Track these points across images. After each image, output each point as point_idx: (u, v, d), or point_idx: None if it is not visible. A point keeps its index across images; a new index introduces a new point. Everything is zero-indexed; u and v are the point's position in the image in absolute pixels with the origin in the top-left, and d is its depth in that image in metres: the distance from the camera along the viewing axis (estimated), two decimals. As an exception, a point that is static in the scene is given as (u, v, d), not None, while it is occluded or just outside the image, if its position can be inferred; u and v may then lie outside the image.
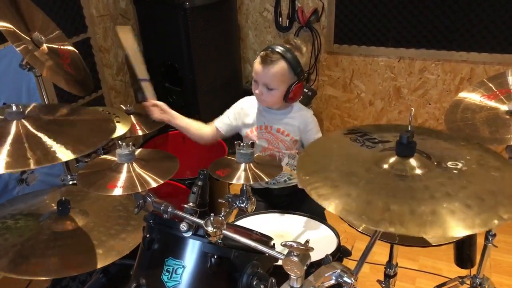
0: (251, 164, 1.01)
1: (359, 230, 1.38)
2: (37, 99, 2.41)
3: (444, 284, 1.88)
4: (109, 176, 0.94)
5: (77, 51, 1.75)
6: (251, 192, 1.03)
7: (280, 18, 3.03)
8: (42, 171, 2.45)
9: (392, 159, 0.91)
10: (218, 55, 2.87)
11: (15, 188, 2.31)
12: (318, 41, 2.98)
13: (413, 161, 0.90)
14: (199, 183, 0.98)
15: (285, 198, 1.82)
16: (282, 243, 0.83)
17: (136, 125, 2.01)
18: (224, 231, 0.90)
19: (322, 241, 1.45)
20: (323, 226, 1.54)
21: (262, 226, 1.37)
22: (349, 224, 1.38)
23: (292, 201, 1.78)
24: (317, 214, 1.61)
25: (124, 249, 1.31)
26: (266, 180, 1.00)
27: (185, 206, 0.96)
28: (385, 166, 0.90)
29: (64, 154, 1.04)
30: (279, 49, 1.57)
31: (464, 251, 1.70)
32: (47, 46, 1.58)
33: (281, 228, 1.52)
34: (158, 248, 1.02)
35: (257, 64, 1.59)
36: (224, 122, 1.77)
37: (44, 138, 1.09)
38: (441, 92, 2.84)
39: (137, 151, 1.01)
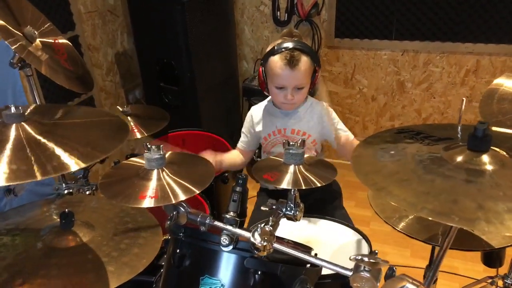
0: (301, 166, 0.88)
1: (398, 229, 1.28)
2: (24, 102, 2.23)
3: (469, 284, 1.79)
4: (138, 184, 0.80)
5: (71, 45, 1.59)
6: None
7: (278, 12, 2.91)
8: (30, 180, 2.28)
9: (461, 156, 0.80)
10: (216, 52, 2.74)
11: (3, 199, 2.12)
12: (318, 35, 2.87)
13: (485, 157, 0.79)
14: (238, 189, 0.84)
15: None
16: (352, 257, 0.71)
17: (134, 128, 1.87)
18: (275, 245, 0.78)
19: (349, 246, 1.35)
20: (348, 230, 1.43)
21: (283, 233, 1.23)
22: (393, 227, 1.29)
23: (314, 201, 1.65)
24: (341, 217, 1.51)
25: (138, 265, 1.17)
26: (319, 185, 0.87)
27: (225, 216, 0.83)
28: (458, 160, 0.78)
29: (73, 162, 0.89)
30: (295, 44, 1.45)
31: (493, 250, 1.61)
32: (40, 41, 1.42)
33: (304, 234, 1.40)
34: (190, 265, 0.89)
35: (280, 70, 1.44)
36: (242, 141, 1.69)
37: (49, 144, 0.93)
38: (446, 85, 2.77)
39: (167, 154, 0.87)
